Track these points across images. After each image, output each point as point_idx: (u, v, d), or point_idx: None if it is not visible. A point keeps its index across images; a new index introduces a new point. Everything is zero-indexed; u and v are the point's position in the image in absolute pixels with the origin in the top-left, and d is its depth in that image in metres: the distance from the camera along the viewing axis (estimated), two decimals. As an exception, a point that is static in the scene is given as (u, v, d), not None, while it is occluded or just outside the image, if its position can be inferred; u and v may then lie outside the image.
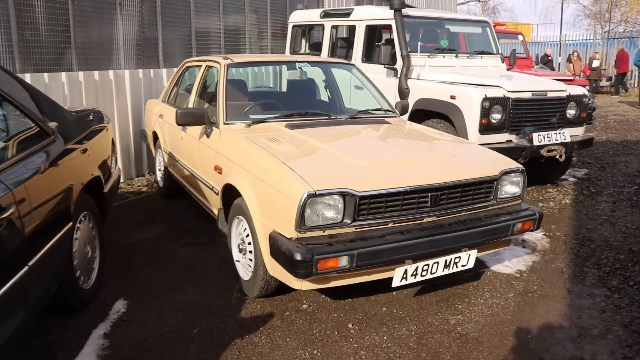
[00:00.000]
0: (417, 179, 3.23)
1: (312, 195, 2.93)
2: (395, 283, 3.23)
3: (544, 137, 5.93)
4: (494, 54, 7.47)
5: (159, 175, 6.28)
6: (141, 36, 7.34)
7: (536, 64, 11.33)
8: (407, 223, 3.25)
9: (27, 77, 5.65)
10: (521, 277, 4.11)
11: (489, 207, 3.60)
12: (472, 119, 5.72)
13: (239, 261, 3.81)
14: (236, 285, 3.91)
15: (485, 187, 3.52)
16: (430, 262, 3.28)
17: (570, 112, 6.41)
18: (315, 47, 8.41)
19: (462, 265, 3.43)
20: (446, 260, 3.34)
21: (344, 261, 2.94)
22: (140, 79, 7.18)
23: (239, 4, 9.21)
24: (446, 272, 3.39)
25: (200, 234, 5.00)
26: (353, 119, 4.48)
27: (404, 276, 3.23)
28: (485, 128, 5.75)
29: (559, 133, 6.08)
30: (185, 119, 4.12)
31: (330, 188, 2.99)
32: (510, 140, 5.98)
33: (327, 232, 3.05)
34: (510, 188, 3.68)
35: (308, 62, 4.99)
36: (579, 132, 6.56)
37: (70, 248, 3.29)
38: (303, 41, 8.78)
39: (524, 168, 3.71)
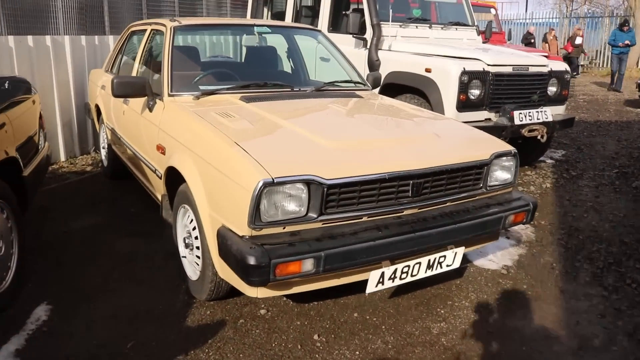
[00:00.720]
0: (396, 164, 2.69)
1: (270, 184, 2.37)
2: (370, 288, 2.71)
3: (525, 116, 5.47)
4: (469, 25, 6.96)
5: (103, 153, 5.62)
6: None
7: (509, 40, 10.90)
8: (385, 217, 2.71)
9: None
10: (508, 274, 3.64)
11: (478, 197, 3.09)
12: (449, 95, 5.21)
13: (185, 257, 3.23)
14: (183, 285, 3.34)
15: (474, 173, 3.01)
16: (411, 262, 2.77)
17: (552, 89, 5.97)
18: (278, 17, 7.78)
19: (447, 265, 2.94)
20: (429, 260, 2.83)
21: (308, 265, 2.40)
22: (83, 47, 6.45)
23: (196, -32, 8.52)
24: (429, 273, 2.89)
25: (146, 221, 4.39)
26: (319, 91, 3.91)
27: (381, 280, 2.71)
28: (464, 105, 5.25)
29: (541, 111, 5.62)
30: (124, 90, 3.49)
31: (292, 175, 2.43)
32: (489, 119, 5.49)
33: (289, 229, 2.50)
34: (502, 174, 3.18)
35: (268, 26, 4.38)
36: (560, 110, 6.13)
37: (-27, 246, 2.68)
38: (265, 10, 8.14)
39: (516, 151, 3.21)
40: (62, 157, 6.32)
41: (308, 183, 2.45)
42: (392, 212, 2.73)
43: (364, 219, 2.66)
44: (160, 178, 3.43)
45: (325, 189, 2.48)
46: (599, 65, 21.38)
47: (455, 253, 2.92)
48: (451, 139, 3.17)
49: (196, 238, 2.97)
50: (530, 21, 23.60)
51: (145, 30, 4.47)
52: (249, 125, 3.01)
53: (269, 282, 2.38)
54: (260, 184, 2.35)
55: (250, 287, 2.52)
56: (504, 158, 3.14)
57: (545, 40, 18.12)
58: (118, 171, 5.27)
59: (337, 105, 3.64)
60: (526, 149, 6.22)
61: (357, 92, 4.02)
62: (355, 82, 4.23)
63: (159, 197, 3.66)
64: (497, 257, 3.90)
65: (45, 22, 6.15)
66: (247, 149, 2.58)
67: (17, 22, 5.79)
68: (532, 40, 17.49)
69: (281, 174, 2.41)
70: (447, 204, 2.95)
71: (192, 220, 3.00)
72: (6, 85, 3.54)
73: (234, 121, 3.03)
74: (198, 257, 2.98)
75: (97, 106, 5.42)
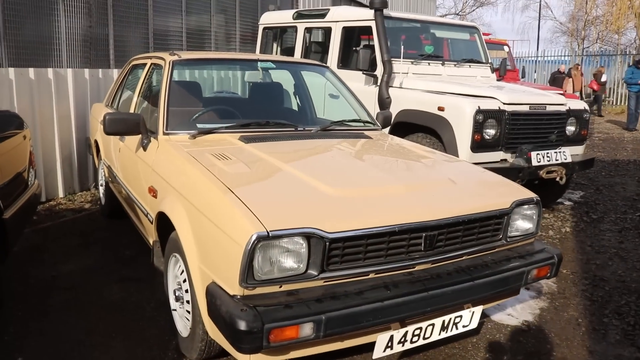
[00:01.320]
0: (408, 214, 2.42)
1: (265, 238, 2.10)
2: (378, 353, 2.41)
3: (543, 157, 5.20)
4: (483, 62, 6.75)
5: (101, 191, 5.39)
6: (88, 32, 6.45)
7: (522, 77, 10.68)
8: (394, 273, 2.43)
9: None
10: (530, 331, 3.32)
11: (497, 249, 2.81)
12: (463, 135, 4.96)
13: (175, 310, 2.95)
14: (173, 341, 3.05)
15: (493, 223, 2.73)
16: (424, 324, 2.47)
17: (570, 129, 5.71)
18: (288, 52, 7.61)
19: (464, 326, 2.64)
20: (444, 321, 2.54)
21: (307, 329, 2.11)
22: (86, 80, 6.29)
23: (205, 3, 8.40)
24: (443, 335, 2.59)
25: (140, 266, 4.12)
26: (325, 131, 3.66)
27: (389, 344, 2.41)
28: (478, 145, 4.99)
29: (559, 152, 5.36)
30: (116, 127, 3.27)
31: (290, 227, 2.16)
32: (505, 160, 5.23)
33: (285, 288, 2.22)
34: (523, 224, 2.90)
35: (273, 62, 4.16)
36: (579, 150, 5.86)
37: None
38: (274, 45, 7.98)
39: (539, 198, 2.93)
40: (61, 193, 6.10)
41: (308, 237, 2.18)
42: (403, 268, 2.45)
43: (371, 275, 2.37)
44: (152, 223, 3.18)
45: (327, 244, 2.20)
46: (612, 102, 21.14)
47: (473, 313, 2.63)
48: (467, 185, 2.90)
49: (187, 291, 2.69)
50: (542, 59, 23.48)
51: (146, 63, 4.28)
52: (246, 168, 2.76)
53: (261, 350, 2.09)
54: (254, 237, 2.08)
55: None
56: (526, 206, 2.87)
57: (569, 75, 17.80)
58: (115, 210, 5.02)
59: (343, 147, 3.39)
60: (543, 190, 5.91)
61: (366, 132, 3.77)
62: (364, 122, 3.99)
63: (151, 242, 3.40)
64: (516, 311, 3.58)
65: (48, 55, 6.00)
66: (241, 197, 2.32)
67: (19, 54, 5.64)
68: (563, 75, 17.21)
69: (278, 226, 2.14)
70: (464, 258, 2.66)
71: (182, 271, 2.73)
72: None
73: (230, 164, 2.78)
74: (188, 311, 2.70)
75: (96, 142, 5.22)
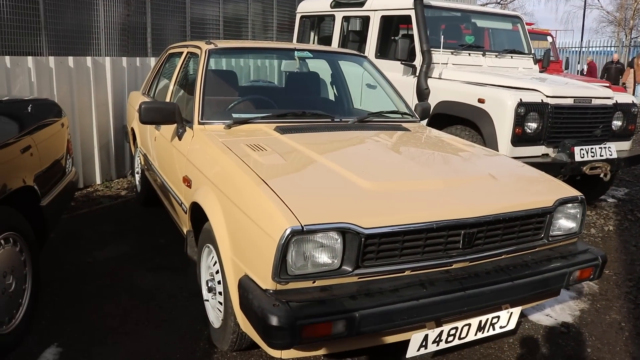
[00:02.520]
0: (446, 211, 2.34)
1: (299, 232, 2.05)
2: (412, 352, 2.35)
3: (587, 152, 5.03)
4: (525, 53, 6.56)
5: (137, 178, 5.43)
6: (126, 21, 6.49)
7: (566, 69, 10.36)
8: (430, 270, 2.36)
9: (-16, 60, 4.83)
10: (569, 333, 3.21)
11: (538, 249, 2.71)
12: (503, 128, 4.82)
13: (208, 301, 2.94)
14: (205, 331, 3.04)
15: (534, 221, 2.63)
16: (460, 324, 2.40)
17: (617, 124, 5.51)
18: (325, 41, 7.53)
19: (501, 327, 2.56)
20: (480, 322, 2.46)
21: (340, 326, 2.06)
22: (123, 68, 6.32)
23: (243, -9, 8.38)
24: (479, 336, 2.52)
25: (174, 255, 4.13)
26: (362, 122, 3.60)
27: (424, 344, 2.35)
28: (519, 139, 4.85)
29: (604, 147, 5.17)
30: (151, 116, 3.26)
31: (325, 222, 2.11)
32: (547, 154, 5.07)
33: (319, 283, 2.17)
34: (566, 223, 2.79)
35: (310, 51, 4.10)
36: (625, 146, 5.65)
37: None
38: (312, 34, 7.91)
39: (583, 197, 2.82)
40: (98, 180, 6.17)
41: (343, 232, 2.13)
42: (439, 266, 2.38)
43: (406, 273, 2.31)
44: (186, 213, 3.17)
45: (362, 239, 2.15)
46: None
47: (511, 313, 2.55)
48: (509, 181, 2.81)
49: (219, 283, 2.67)
50: (587, 50, 22.82)
51: (182, 52, 4.27)
52: (281, 160, 2.71)
53: (293, 346, 2.05)
54: (288, 232, 2.04)
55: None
56: (570, 205, 2.75)
57: (631, 65, 17.01)
58: (150, 198, 5.05)
59: (380, 139, 3.32)
60: (585, 186, 5.75)
61: (404, 124, 3.69)
62: (402, 113, 3.90)
63: (185, 232, 3.39)
64: (555, 312, 3.47)
65: (87, 43, 6.06)
66: (275, 189, 2.28)
67: (59, 43, 5.71)
68: (617, 65, 16.36)
69: (312, 220, 2.09)
70: (503, 257, 2.57)
71: (215, 262, 2.71)
72: (35, 107, 3.35)
73: (265, 155, 2.73)
74: (221, 303, 2.68)
75: (133, 130, 5.25)
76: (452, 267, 2.42)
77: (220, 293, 2.68)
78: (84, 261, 4.00)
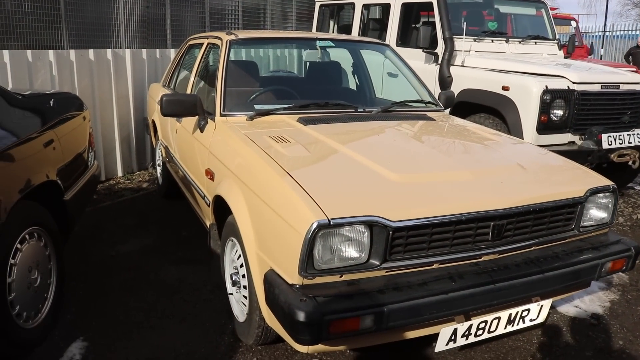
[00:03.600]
0: (475, 202, 2.28)
1: (325, 226, 2.02)
2: (440, 347, 2.31)
3: (614, 139, 4.92)
4: (550, 39, 6.42)
5: (158, 171, 5.43)
6: (146, 13, 6.47)
7: (590, 54, 10.16)
8: (459, 263, 2.31)
9: (6, 55, 4.84)
10: (599, 325, 3.15)
11: (569, 240, 2.64)
12: (529, 115, 4.73)
13: (232, 295, 2.92)
14: (229, 324, 3.03)
15: (565, 212, 2.56)
16: (489, 317, 2.35)
17: (645, 110, 5.37)
18: (345, 30, 7.47)
19: (531, 320, 2.50)
20: (510, 315, 2.41)
21: (368, 321, 2.03)
22: (143, 60, 6.32)
23: (261, -20, 8.32)
24: (509, 329, 2.46)
25: (197, 248, 4.13)
26: (386, 112, 3.54)
27: (452, 338, 2.31)
28: (545, 127, 4.76)
29: (633, 134, 5.06)
30: (173, 108, 3.23)
31: (352, 215, 2.07)
32: (574, 142, 4.97)
33: (346, 277, 2.13)
34: (597, 213, 2.71)
35: (332, 40, 4.04)
36: (654, 133, 5.51)
37: (3, 278, 2.45)
38: (331, 22, 7.84)
39: (615, 186, 2.74)
40: (119, 173, 6.19)
41: (371, 225, 2.09)
42: (468, 259, 2.33)
43: (435, 266, 2.26)
44: (209, 206, 3.15)
45: (390, 232, 2.10)
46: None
47: (541, 306, 2.49)
48: (538, 170, 2.73)
49: (243, 277, 2.65)
50: (611, 34, 22.34)
51: (203, 43, 4.24)
52: (305, 151, 2.67)
53: (320, 341, 2.02)
54: (315, 226, 2.00)
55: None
56: (601, 194, 2.68)
57: None
58: (172, 191, 5.05)
59: (405, 129, 3.26)
60: (613, 174, 5.61)
61: (428, 114, 3.63)
62: (426, 102, 3.84)
63: (208, 225, 3.37)
64: (584, 303, 3.40)
65: (107, 36, 6.06)
66: (300, 182, 2.24)
67: (80, 35, 5.72)
68: None
69: (339, 214, 2.05)
70: (533, 249, 2.51)
71: (239, 256, 2.68)
72: (57, 101, 3.35)
73: (288, 147, 2.70)
74: (245, 297, 2.66)
75: (153, 122, 5.25)
76: (481, 259, 2.36)
77: (244, 287, 2.65)
78: (108, 255, 4.01)
